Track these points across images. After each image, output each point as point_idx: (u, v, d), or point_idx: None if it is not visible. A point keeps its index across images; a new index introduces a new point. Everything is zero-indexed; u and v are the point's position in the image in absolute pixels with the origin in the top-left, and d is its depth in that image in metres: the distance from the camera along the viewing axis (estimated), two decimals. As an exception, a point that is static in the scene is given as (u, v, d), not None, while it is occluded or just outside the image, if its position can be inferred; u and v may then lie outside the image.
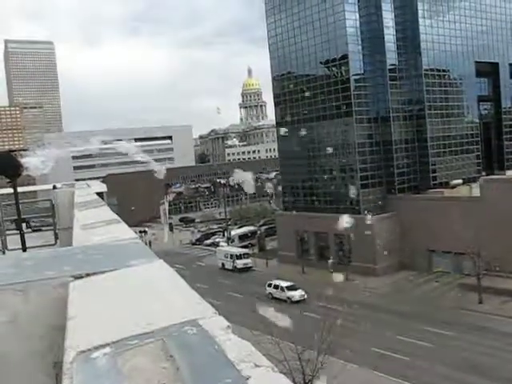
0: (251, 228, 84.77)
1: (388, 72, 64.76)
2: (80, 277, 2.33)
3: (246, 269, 68.12)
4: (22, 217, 7.93)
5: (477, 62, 72.26)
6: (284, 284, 54.61)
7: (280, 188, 79.50)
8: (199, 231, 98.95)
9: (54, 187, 9.41)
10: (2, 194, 8.85)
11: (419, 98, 66.30)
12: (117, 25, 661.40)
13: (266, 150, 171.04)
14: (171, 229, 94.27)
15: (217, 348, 1.42)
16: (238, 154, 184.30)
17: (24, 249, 7.33)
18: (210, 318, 1.64)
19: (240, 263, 68.37)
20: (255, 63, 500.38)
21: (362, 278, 57.13)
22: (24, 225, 7.93)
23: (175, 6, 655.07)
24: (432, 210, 57.89)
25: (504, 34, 75.80)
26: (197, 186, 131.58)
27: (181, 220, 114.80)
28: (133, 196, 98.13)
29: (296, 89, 71.24)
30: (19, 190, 7.86)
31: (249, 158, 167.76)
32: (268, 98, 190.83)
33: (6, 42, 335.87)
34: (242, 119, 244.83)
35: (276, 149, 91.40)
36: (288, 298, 52.65)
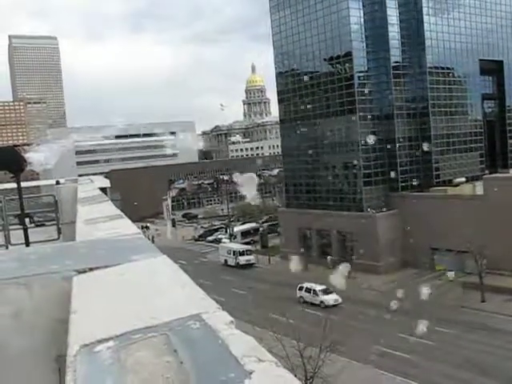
0: (254, 225, 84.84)
1: (392, 69, 64.62)
2: (83, 271, 2.33)
3: (249, 265, 68.27)
4: (26, 212, 7.95)
5: (481, 59, 72.03)
6: (318, 287, 51.76)
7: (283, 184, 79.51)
8: (202, 227, 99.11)
9: (58, 182, 9.43)
10: (6, 189, 8.87)
11: (423, 95, 66.12)
12: (120, 21, 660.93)
13: (270, 147, 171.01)
14: (174, 225, 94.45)
15: (220, 343, 1.42)
16: (242, 150, 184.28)
17: (27, 243, 7.35)
18: (213, 312, 1.64)
19: (242, 259, 68.53)
20: (259, 60, 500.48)
21: (364, 275, 57.06)
22: (27, 220, 7.95)
23: (178, 2, 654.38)
24: (435, 208, 57.81)
25: (508, 32, 75.52)
26: (200, 182, 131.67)
27: (184, 216, 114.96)
28: (136, 192, 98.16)
29: (300, 86, 71.18)
30: (23, 184, 7.88)
31: (252, 155, 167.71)
32: (272, 94, 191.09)
33: (10, 37, 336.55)
34: (245, 115, 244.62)
35: (279, 145, 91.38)
36: (321, 302, 50.33)
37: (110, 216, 4.60)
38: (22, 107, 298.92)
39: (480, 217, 52.44)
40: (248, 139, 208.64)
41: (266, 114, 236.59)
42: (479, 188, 58.76)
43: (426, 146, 64.43)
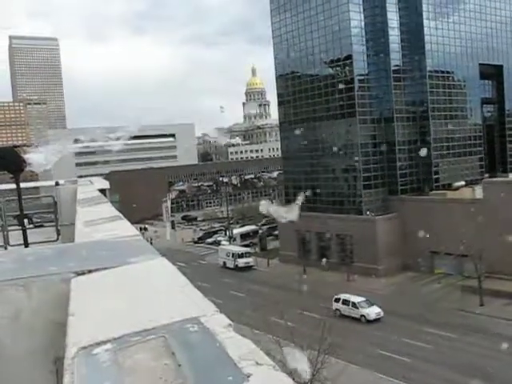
0: (253, 227, 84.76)
1: (392, 73, 64.66)
2: (82, 273, 2.33)
3: (248, 268, 68.19)
4: (25, 213, 7.94)
5: (481, 64, 72.11)
6: (357, 299, 46.76)
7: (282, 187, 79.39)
8: (201, 229, 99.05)
9: (57, 184, 9.43)
10: (5, 190, 8.86)
11: (423, 99, 66.15)
12: (121, 23, 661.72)
13: (269, 150, 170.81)
14: (173, 227, 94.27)
15: (218, 345, 1.42)
16: (241, 152, 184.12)
17: (26, 245, 7.34)
18: (211, 315, 1.64)
19: (241, 262, 68.42)
20: (259, 62, 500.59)
21: (363, 278, 57.06)
22: (26, 221, 7.93)
23: (179, 4, 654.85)
24: (434, 211, 57.77)
25: (508, 36, 75.63)
26: (199, 184, 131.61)
27: (183, 218, 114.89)
28: (135, 193, 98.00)
29: (300, 88, 71.22)
30: (22, 185, 7.86)
31: (251, 157, 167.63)
32: (272, 97, 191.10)
33: (11, 37, 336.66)
34: (245, 118, 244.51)
35: (279, 148, 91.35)
36: (362, 316, 45.73)
37: (109, 218, 4.61)
38: (22, 108, 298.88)
39: (479, 221, 52.38)
40: (248, 141, 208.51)
41: (266, 117, 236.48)
42: (479, 192, 58.76)
43: (425, 150, 64.42)
